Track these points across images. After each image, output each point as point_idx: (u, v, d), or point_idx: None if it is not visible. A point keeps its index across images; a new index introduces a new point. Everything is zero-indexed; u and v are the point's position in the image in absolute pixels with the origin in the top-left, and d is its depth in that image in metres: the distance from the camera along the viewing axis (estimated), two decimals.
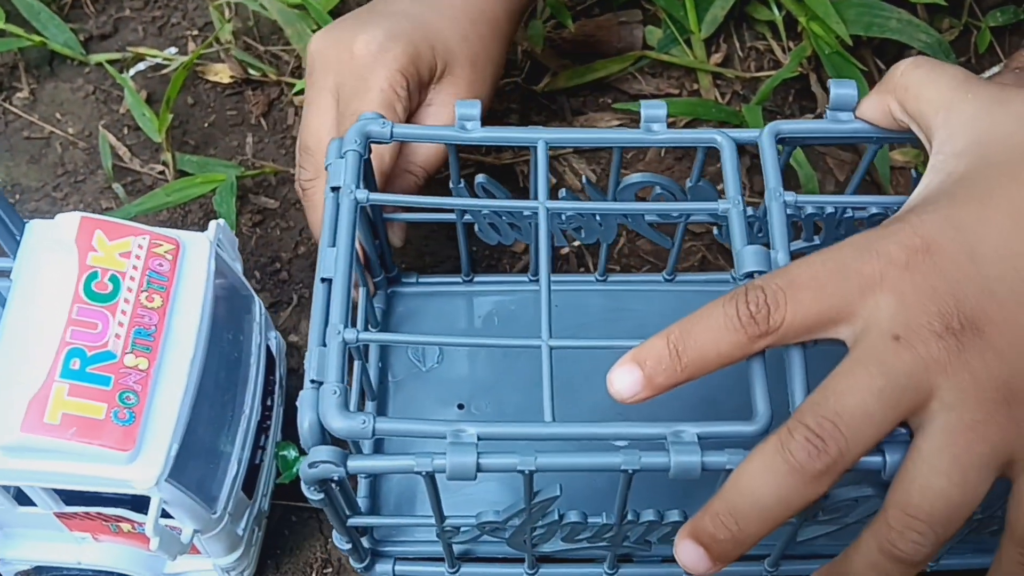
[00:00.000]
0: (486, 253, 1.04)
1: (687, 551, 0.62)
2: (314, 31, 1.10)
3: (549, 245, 0.71)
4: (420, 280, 0.95)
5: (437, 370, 0.89)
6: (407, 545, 0.84)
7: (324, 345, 0.66)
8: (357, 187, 0.71)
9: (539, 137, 0.74)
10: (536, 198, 0.73)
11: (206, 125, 1.12)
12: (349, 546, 0.79)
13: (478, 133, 0.75)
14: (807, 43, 1.11)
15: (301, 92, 1.11)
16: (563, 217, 0.84)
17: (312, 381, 0.64)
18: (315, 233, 0.92)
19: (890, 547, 0.59)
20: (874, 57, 1.13)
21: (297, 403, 0.64)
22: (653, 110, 0.74)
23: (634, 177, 0.81)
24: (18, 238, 0.81)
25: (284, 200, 1.07)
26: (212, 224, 0.82)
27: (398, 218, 0.90)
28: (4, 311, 0.77)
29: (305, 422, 0.64)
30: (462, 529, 0.74)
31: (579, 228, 0.86)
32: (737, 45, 1.16)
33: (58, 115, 1.12)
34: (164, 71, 1.14)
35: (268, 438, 0.86)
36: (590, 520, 0.72)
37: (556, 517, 0.71)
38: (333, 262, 0.68)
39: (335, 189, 0.71)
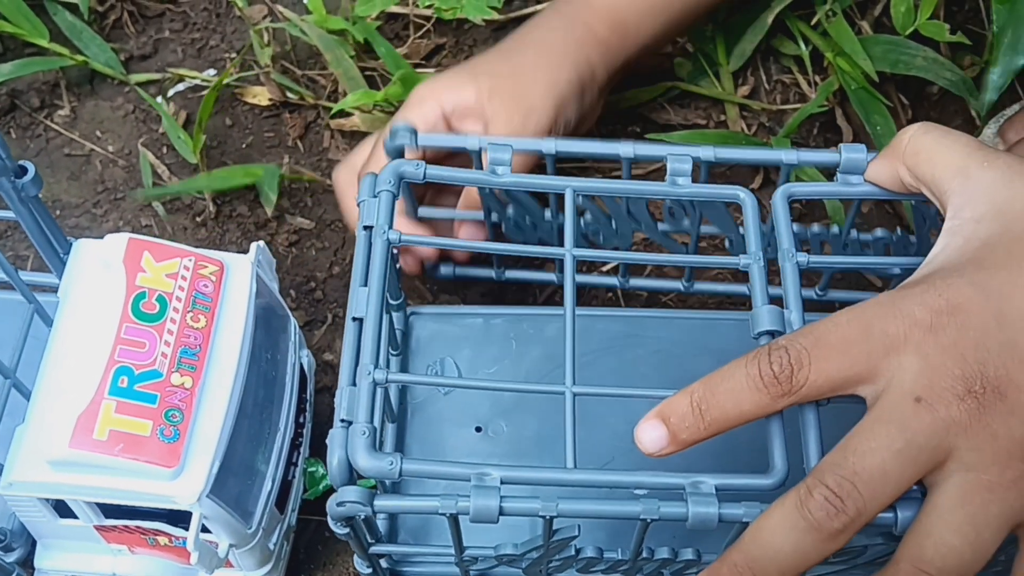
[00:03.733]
0: (512, 287, 1.05)
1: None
2: (352, 57, 1.12)
3: (574, 288, 0.72)
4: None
5: (455, 393, 0.90)
6: (424, 567, 0.85)
7: (354, 384, 0.67)
8: (390, 227, 0.72)
9: (567, 185, 0.76)
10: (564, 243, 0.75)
11: (244, 146, 1.14)
12: (370, 571, 0.81)
13: (508, 178, 0.76)
14: (834, 78, 1.12)
15: (337, 115, 1.13)
16: (583, 223, 0.89)
17: (342, 420, 0.66)
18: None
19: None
20: (898, 93, 1.14)
21: (327, 441, 0.66)
22: (679, 164, 0.76)
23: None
24: (63, 256, 0.83)
25: (320, 220, 1.09)
26: (253, 246, 0.84)
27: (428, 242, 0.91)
28: (53, 328, 0.79)
29: (334, 460, 0.65)
30: (480, 559, 0.76)
31: (597, 232, 0.91)
32: (764, 78, 1.18)
33: (98, 133, 1.14)
34: (203, 92, 1.16)
35: (299, 455, 0.88)
36: (606, 555, 0.74)
37: (573, 552, 0.72)
38: (365, 302, 0.69)
39: (368, 228, 0.72)
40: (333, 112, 1.13)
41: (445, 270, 1.02)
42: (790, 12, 1.16)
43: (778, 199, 0.74)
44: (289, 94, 1.15)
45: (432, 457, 0.66)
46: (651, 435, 0.64)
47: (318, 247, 1.08)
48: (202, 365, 0.77)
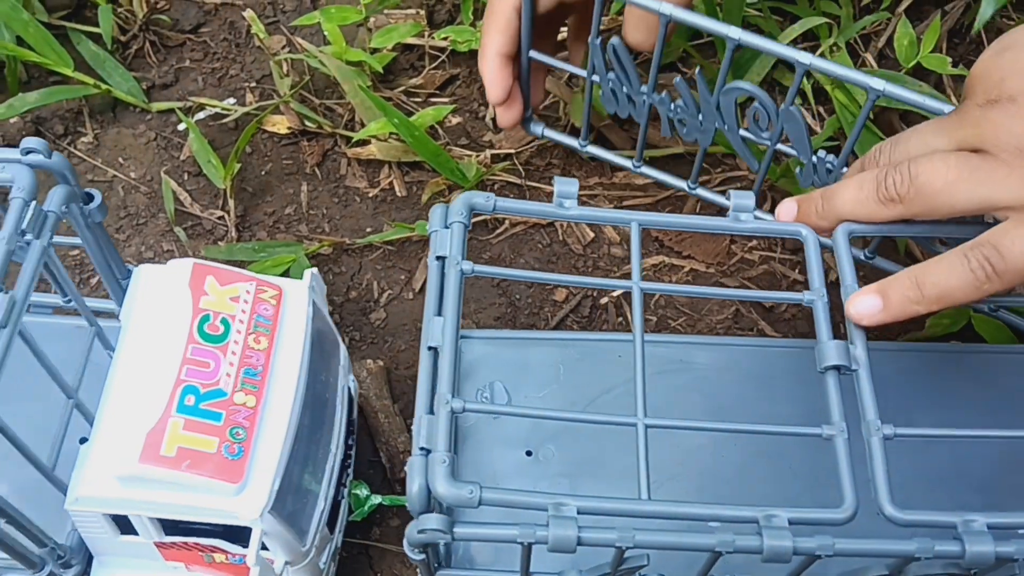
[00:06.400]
0: (528, 301, 1.07)
1: (868, 300, 0.74)
2: (369, 86, 1.13)
3: (642, 321, 0.73)
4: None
5: (505, 417, 0.91)
6: None
7: (431, 413, 0.68)
8: (462, 258, 0.74)
9: (633, 219, 0.78)
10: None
11: (263, 173, 1.15)
12: None
13: (574, 211, 0.78)
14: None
15: (356, 144, 1.16)
16: (672, 107, 0.96)
17: (421, 448, 0.67)
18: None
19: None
20: (900, 122, 1.16)
21: (406, 468, 0.67)
22: (742, 200, 0.78)
23: (738, 83, 0.92)
24: (121, 281, 0.83)
25: (336, 246, 1.09)
26: (306, 273, 0.86)
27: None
28: (118, 348, 0.80)
29: (414, 487, 0.66)
30: None
31: (682, 121, 0.98)
32: None
33: (120, 160, 1.16)
34: (223, 120, 1.18)
35: (348, 476, 0.89)
36: None
37: None
38: (440, 331, 0.71)
39: (440, 258, 0.74)
40: (352, 141, 1.15)
41: (535, 128, 1.12)
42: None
43: (839, 236, 0.76)
44: (307, 123, 1.18)
45: (486, 481, 0.67)
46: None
47: (335, 272, 1.10)
48: (264, 385, 0.79)
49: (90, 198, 0.78)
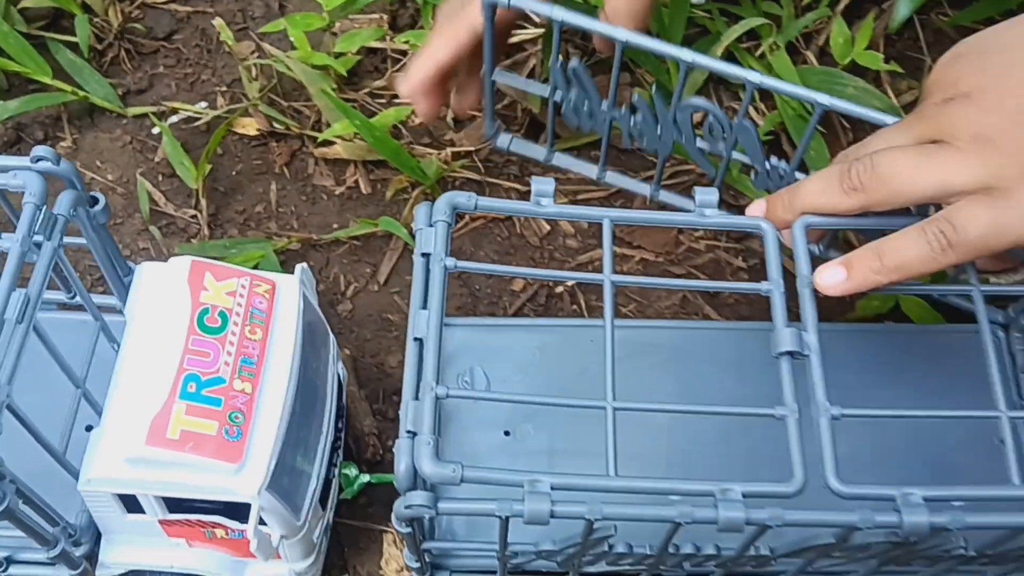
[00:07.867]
0: (488, 291, 1.13)
1: (834, 272, 0.81)
2: (334, 89, 1.19)
3: (612, 311, 0.78)
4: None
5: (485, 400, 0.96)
6: (464, 559, 0.93)
7: (417, 399, 0.74)
8: (446, 255, 0.79)
9: (605, 215, 0.83)
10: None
11: (234, 173, 1.21)
12: (418, 564, 0.89)
13: (551, 209, 0.83)
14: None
15: (323, 144, 1.22)
16: (633, 122, 0.99)
17: (408, 431, 0.73)
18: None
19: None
20: (840, 118, 1.22)
21: (393, 450, 0.73)
22: (706, 196, 0.83)
23: (693, 100, 0.96)
24: (123, 278, 0.88)
25: (304, 242, 1.16)
26: (297, 268, 0.92)
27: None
28: (123, 341, 0.86)
29: (401, 467, 0.72)
30: (520, 554, 0.83)
31: (642, 136, 1.01)
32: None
33: (98, 163, 1.21)
34: (195, 123, 1.23)
35: (338, 457, 0.94)
36: (635, 550, 0.81)
37: (606, 548, 0.80)
38: (425, 323, 0.76)
39: (425, 255, 0.79)
40: (319, 142, 1.20)
41: (502, 141, 1.13)
42: (738, 44, 1.24)
43: (796, 227, 0.82)
44: (276, 124, 1.24)
45: (467, 460, 0.72)
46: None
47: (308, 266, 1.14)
48: (259, 373, 0.85)
49: (95, 201, 0.84)
